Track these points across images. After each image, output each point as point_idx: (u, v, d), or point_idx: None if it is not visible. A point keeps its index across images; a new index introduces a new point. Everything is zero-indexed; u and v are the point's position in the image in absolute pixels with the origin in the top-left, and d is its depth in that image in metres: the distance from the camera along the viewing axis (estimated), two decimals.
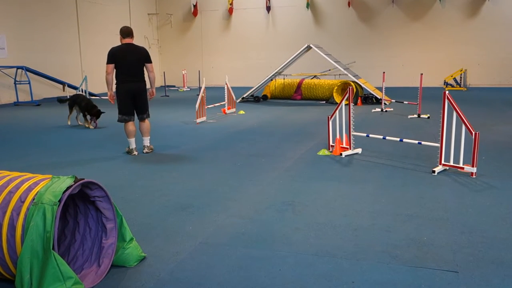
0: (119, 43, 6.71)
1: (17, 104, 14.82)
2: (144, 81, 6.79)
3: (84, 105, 9.57)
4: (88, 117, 9.62)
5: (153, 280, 2.94)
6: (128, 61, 6.55)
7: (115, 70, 6.58)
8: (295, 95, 15.51)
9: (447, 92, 5.39)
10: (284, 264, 3.13)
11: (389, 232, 3.68)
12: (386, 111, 11.83)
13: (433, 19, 20.53)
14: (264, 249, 3.38)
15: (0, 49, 15.03)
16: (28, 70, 15.10)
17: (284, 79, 15.69)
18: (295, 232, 3.71)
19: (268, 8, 22.31)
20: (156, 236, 3.65)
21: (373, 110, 11.95)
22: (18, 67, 14.97)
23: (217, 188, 5.03)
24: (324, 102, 14.56)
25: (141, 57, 6.66)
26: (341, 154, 6.54)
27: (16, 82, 14.96)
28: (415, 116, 10.61)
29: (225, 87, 11.73)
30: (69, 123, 10.00)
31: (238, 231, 3.74)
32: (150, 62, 6.74)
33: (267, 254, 3.29)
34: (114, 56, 6.56)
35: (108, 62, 6.56)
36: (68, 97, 11.93)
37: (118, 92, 6.68)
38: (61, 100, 11.95)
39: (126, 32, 6.69)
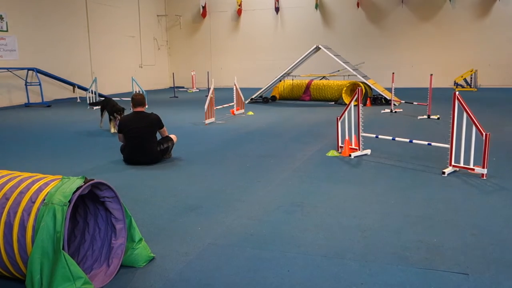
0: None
1: (28, 105, 14.97)
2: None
3: (109, 107, 9.23)
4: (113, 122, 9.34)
5: (162, 280, 2.95)
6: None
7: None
8: (304, 96, 15.48)
9: (457, 92, 5.35)
10: (293, 266, 3.12)
11: (399, 233, 3.65)
12: (395, 112, 11.77)
13: (443, 20, 20.39)
14: (273, 250, 3.37)
15: (11, 51, 15.19)
16: (38, 71, 15.24)
17: (292, 80, 15.67)
18: (304, 233, 3.70)
19: (277, 9, 22.31)
20: (165, 237, 3.67)
21: (382, 111, 11.89)
22: (29, 69, 15.12)
23: (226, 189, 5.03)
24: (333, 103, 14.52)
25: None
26: (350, 155, 6.52)
27: (27, 84, 15.11)
28: (425, 117, 10.55)
29: (234, 88, 11.74)
30: (101, 126, 9.74)
31: (246, 232, 3.74)
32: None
33: (275, 255, 3.29)
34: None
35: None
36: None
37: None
38: (93, 104, 12.50)
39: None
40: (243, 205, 4.45)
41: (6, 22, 15.02)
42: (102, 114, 9.75)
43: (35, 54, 15.88)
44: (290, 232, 3.73)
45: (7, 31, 15.03)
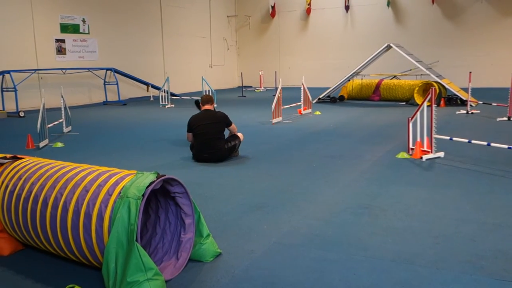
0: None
1: (106, 103, 15.88)
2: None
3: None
4: None
5: (228, 276, 3.00)
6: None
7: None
8: (373, 96, 15.10)
9: None
10: (360, 269, 3.06)
11: (474, 241, 3.46)
12: (472, 113, 11.15)
13: None
14: (339, 252, 3.32)
15: (92, 52, 16.20)
16: (116, 71, 16.11)
17: (362, 79, 15.34)
18: (372, 236, 3.61)
19: (347, 8, 21.91)
20: (232, 234, 3.73)
21: (458, 112, 11.31)
22: (107, 69, 16.05)
23: (292, 188, 5.03)
24: (404, 103, 14.03)
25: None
26: (421, 158, 6.27)
27: (105, 83, 16.04)
28: (505, 118, 9.89)
29: (301, 88, 11.70)
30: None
31: (312, 233, 3.71)
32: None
33: (341, 258, 3.24)
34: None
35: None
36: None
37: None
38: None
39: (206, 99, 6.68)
40: (309, 205, 4.43)
41: (88, 25, 16.03)
42: None
43: (113, 55, 16.81)
44: (356, 234, 3.66)
45: (88, 33, 16.05)
